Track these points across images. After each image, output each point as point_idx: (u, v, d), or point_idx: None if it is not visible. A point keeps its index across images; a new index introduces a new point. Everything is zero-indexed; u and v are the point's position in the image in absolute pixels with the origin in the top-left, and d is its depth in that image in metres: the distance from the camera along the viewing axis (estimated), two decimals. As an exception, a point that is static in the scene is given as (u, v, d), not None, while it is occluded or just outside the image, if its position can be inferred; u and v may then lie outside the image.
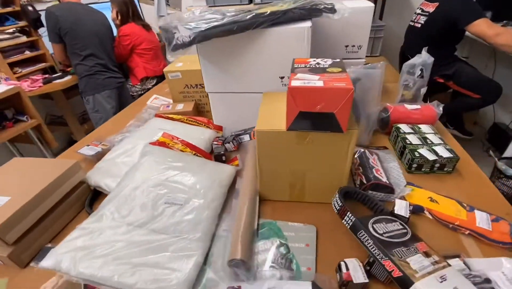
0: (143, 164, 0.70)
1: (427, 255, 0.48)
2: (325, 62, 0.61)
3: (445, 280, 0.43)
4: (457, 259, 0.51)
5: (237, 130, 0.90)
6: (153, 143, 0.81)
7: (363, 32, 1.01)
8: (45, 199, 0.62)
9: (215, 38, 0.67)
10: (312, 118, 0.52)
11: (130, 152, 0.82)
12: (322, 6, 0.75)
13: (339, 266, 0.49)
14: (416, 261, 0.45)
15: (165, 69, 1.06)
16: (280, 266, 0.53)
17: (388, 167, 0.76)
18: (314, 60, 0.62)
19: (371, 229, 0.50)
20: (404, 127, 0.84)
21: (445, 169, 0.73)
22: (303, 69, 0.57)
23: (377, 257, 0.47)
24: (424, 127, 0.84)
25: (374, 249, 0.48)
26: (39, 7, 1.91)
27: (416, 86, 0.94)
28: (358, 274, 0.47)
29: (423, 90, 0.95)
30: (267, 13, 0.68)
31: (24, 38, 1.82)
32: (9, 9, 1.77)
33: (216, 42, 0.73)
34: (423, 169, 0.74)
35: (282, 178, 0.65)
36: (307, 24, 0.70)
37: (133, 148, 0.83)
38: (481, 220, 0.57)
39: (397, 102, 0.95)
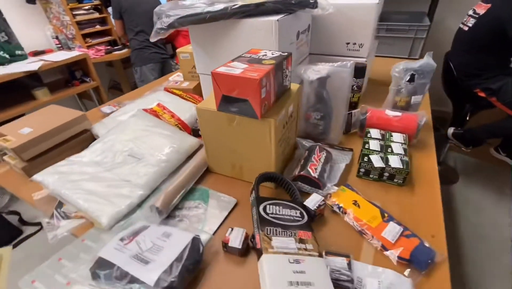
0: (128, 122, 0.87)
1: (301, 241, 0.52)
2: (272, 54, 0.65)
3: (298, 263, 0.47)
4: (343, 258, 0.53)
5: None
6: (145, 110, 0.97)
7: (365, 29, 0.97)
8: (54, 135, 0.84)
9: (190, 25, 0.78)
10: (233, 102, 0.59)
11: (128, 114, 1.00)
12: (298, 0, 0.77)
13: (228, 231, 0.57)
14: (281, 241, 0.50)
15: (178, 50, 1.21)
16: (191, 221, 0.64)
17: (334, 167, 0.76)
18: (264, 52, 0.67)
19: (261, 208, 0.55)
20: (374, 132, 0.82)
21: (395, 180, 0.70)
22: (242, 59, 0.63)
23: (254, 230, 0.53)
24: (397, 136, 0.80)
25: (254, 223, 0.54)
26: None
27: (405, 92, 0.87)
28: (236, 240, 0.55)
29: (416, 99, 0.88)
30: (238, 5, 0.74)
31: (96, 14, 2.24)
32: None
33: (204, 28, 0.84)
34: (371, 176, 0.72)
35: (223, 155, 0.74)
36: (275, 18, 0.74)
37: (132, 111, 1.01)
38: (389, 232, 0.56)
39: (384, 107, 0.90)
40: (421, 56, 1.69)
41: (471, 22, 1.36)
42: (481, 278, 1.31)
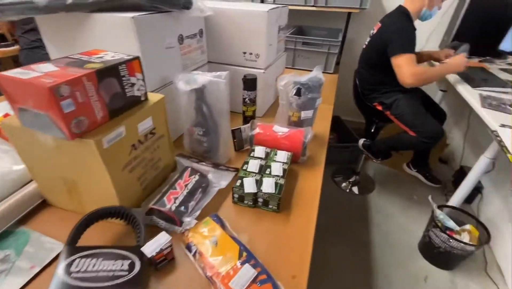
0: None
1: (109, 310, 0.38)
2: (111, 58, 0.52)
3: None
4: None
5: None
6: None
7: (258, 39, 0.91)
8: None
9: (19, 15, 0.60)
10: (35, 118, 0.44)
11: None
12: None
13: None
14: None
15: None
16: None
17: (210, 192, 0.66)
18: (104, 54, 0.53)
19: (61, 268, 0.40)
20: (258, 151, 0.74)
21: (270, 206, 0.62)
22: (63, 60, 0.48)
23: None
24: (281, 155, 0.73)
25: None
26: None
27: (295, 107, 0.82)
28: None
29: (305, 114, 0.83)
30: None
31: None
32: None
33: (53, 22, 0.67)
34: (245, 201, 0.63)
35: (56, 185, 0.56)
36: (131, 14, 0.61)
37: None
38: (240, 278, 0.46)
39: (276, 122, 0.84)
40: (336, 71, 1.76)
41: (367, 40, 1.45)
42: (390, 287, 1.34)
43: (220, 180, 0.69)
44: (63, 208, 0.60)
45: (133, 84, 0.54)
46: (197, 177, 0.65)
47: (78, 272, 0.40)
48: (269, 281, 0.46)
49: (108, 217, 0.52)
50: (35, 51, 1.64)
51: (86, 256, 0.42)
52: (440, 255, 1.39)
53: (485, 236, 1.32)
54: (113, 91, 0.50)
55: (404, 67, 1.23)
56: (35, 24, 1.64)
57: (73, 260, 0.41)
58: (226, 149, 0.79)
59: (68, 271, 0.40)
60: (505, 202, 1.50)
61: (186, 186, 0.62)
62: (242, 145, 0.85)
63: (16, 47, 1.84)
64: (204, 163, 0.76)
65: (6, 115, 0.81)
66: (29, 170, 0.56)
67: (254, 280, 0.46)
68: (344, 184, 1.95)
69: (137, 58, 0.54)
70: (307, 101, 0.82)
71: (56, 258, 0.50)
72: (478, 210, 1.68)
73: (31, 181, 0.62)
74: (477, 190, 1.69)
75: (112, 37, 0.64)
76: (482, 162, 1.27)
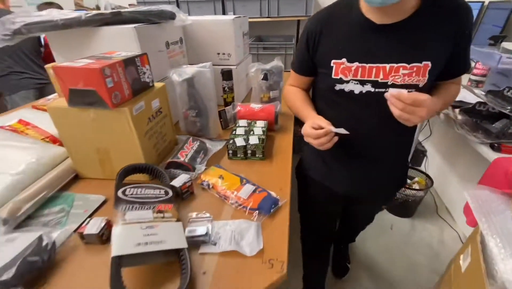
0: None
1: (159, 212, 0.55)
2: (126, 54, 0.70)
3: (152, 228, 0.51)
4: (203, 220, 0.59)
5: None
6: (2, 127, 0.86)
7: (228, 41, 1.15)
8: None
9: (41, 32, 0.76)
10: (82, 95, 0.61)
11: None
12: (156, 12, 0.86)
13: (86, 222, 0.56)
14: (136, 214, 0.52)
15: (46, 66, 1.13)
16: (51, 224, 0.59)
17: (209, 153, 0.85)
18: (120, 53, 0.72)
19: (119, 192, 0.57)
20: (242, 122, 0.95)
21: (257, 155, 0.83)
22: (92, 57, 0.66)
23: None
24: (259, 123, 0.94)
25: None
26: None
27: (265, 89, 1.06)
28: (93, 228, 0.54)
29: (273, 94, 1.07)
30: (92, 13, 0.78)
31: None
32: None
33: (63, 37, 0.83)
34: (238, 155, 0.83)
35: (89, 156, 0.72)
36: (132, 25, 0.80)
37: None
38: (244, 191, 0.66)
39: (253, 103, 1.06)
40: (294, 69, 2.05)
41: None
42: (364, 237, 1.58)
43: (215, 146, 0.89)
44: (94, 178, 0.75)
45: (144, 73, 0.73)
46: (198, 143, 0.84)
47: (131, 195, 0.57)
48: (264, 191, 0.67)
49: (138, 171, 0.69)
50: (10, 77, 1.72)
51: (134, 187, 0.59)
52: (400, 206, 1.68)
53: (429, 182, 1.64)
54: (133, 76, 0.68)
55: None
56: (6, 53, 1.71)
57: (126, 188, 0.58)
58: (215, 127, 0.99)
59: (125, 194, 0.56)
60: (444, 159, 1.85)
61: (191, 148, 0.80)
62: (228, 124, 1.05)
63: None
64: (193, 137, 0.95)
65: (20, 121, 0.94)
66: (67, 148, 0.71)
67: (253, 191, 0.66)
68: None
69: (145, 54, 0.73)
70: (273, 84, 1.06)
71: (103, 204, 0.66)
72: (426, 169, 2.03)
73: (60, 163, 0.76)
74: (422, 153, 2.05)
75: (117, 44, 0.83)
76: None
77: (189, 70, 0.89)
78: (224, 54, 1.18)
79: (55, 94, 1.35)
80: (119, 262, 0.43)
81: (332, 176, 0.81)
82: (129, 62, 0.66)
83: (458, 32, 0.60)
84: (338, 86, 0.68)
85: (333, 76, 0.68)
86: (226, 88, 1.10)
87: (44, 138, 0.88)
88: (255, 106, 1.01)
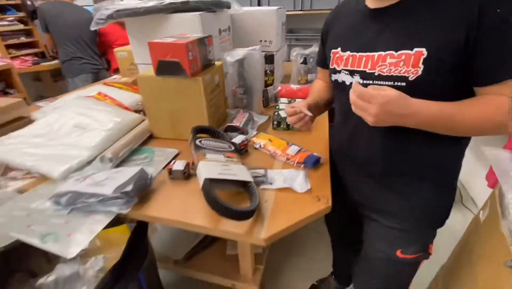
0: (71, 103, 0.96)
1: (229, 157, 0.70)
2: (196, 35, 0.86)
3: (226, 166, 0.66)
4: (262, 169, 0.73)
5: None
6: (88, 96, 1.06)
7: (271, 29, 1.28)
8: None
9: (126, 17, 0.94)
10: (168, 66, 0.77)
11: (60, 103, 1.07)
12: (215, 2, 1.01)
13: (172, 162, 0.72)
14: (213, 156, 0.68)
15: (115, 49, 1.33)
16: (141, 165, 0.76)
17: (256, 123, 0.99)
18: (190, 35, 0.87)
19: (197, 141, 0.73)
20: (283, 100, 1.08)
21: (298, 126, 0.96)
22: (171, 38, 0.82)
23: (193, 156, 0.70)
24: (299, 101, 1.07)
25: (192, 152, 0.70)
26: (37, 1, 2.26)
27: (303, 72, 1.18)
28: (179, 166, 0.70)
29: (311, 76, 1.19)
30: (167, 2, 0.94)
31: (20, 26, 2.17)
32: (11, 1, 2.12)
33: (139, 23, 1.00)
34: (281, 126, 0.97)
35: (164, 119, 0.89)
36: (198, 13, 0.96)
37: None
38: (291, 150, 0.79)
39: (292, 84, 1.19)
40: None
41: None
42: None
43: (260, 119, 1.03)
44: (165, 137, 0.92)
45: (210, 52, 0.88)
46: (247, 114, 0.99)
47: (206, 144, 0.73)
48: (308, 151, 0.80)
49: (204, 132, 0.85)
50: (72, 62, 1.97)
51: (207, 140, 0.75)
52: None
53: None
54: (203, 53, 0.84)
55: None
56: (71, 39, 1.95)
57: (201, 140, 0.74)
58: (259, 103, 1.13)
59: (201, 142, 0.72)
60: (470, 149, 1.87)
61: (243, 117, 0.95)
62: (268, 102, 1.19)
63: (55, 62, 2.15)
64: (243, 109, 1.09)
65: (99, 93, 1.13)
66: (148, 110, 0.89)
67: (299, 150, 0.79)
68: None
69: (210, 35, 0.88)
70: (311, 68, 1.18)
71: (176, 155, 0.82)
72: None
73: (136, 126, 0.94)
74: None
75: (184, 29, 0.98)
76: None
77: (240, 52, 1.04)
78: (266, 41, 1.31)
79: (115, 76, 1.57)
80: (209, 183, 0.59)
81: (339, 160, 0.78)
82: (201, 41, 0.81)
83: (472, 13, 0.45)
84: (333, 77, 0.66)
85: (330, 66, 0.67)
86: (268, 71, 1.23)
87: (120, 107, 1.07)
88: (294, 86, 1.14)
